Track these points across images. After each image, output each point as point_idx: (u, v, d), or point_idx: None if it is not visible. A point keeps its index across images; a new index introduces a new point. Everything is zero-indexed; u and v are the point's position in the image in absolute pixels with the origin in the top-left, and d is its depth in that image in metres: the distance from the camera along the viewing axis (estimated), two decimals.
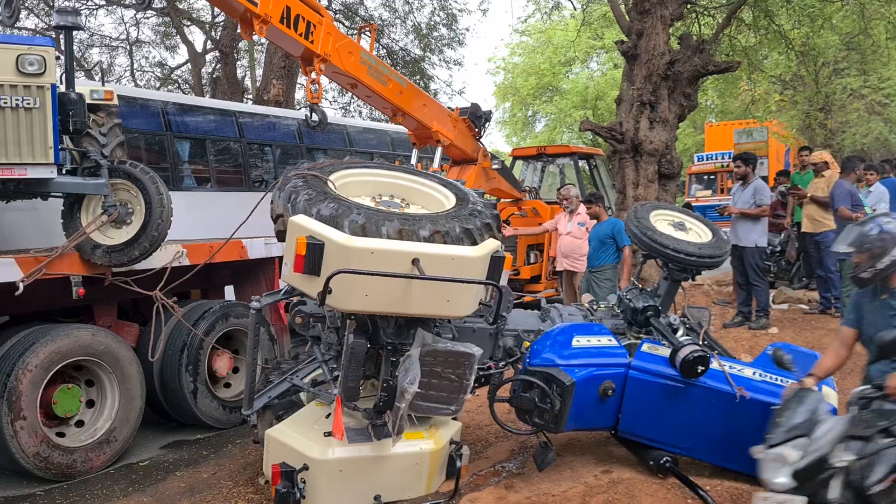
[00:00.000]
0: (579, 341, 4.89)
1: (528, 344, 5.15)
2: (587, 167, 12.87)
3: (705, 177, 21.19)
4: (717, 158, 20.46)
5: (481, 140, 10.11)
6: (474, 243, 4.26)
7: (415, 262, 3.95)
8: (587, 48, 27.92)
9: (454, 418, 4.81)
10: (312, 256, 3.96)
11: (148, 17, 19.85)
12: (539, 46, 31.49)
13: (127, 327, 6.54)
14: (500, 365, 5.26)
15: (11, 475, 5.58)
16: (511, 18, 58.47)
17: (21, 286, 5.27)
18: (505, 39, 58.67)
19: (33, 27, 17.39)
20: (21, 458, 5.28)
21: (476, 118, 9.94)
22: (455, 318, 4.75)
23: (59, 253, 5.53)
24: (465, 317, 4.67)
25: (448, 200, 4.73)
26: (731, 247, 7.41)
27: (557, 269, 9.54)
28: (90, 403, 5.89)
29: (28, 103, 5.15)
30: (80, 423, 5.82)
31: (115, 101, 6.09)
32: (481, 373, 5.01)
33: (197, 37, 20.88)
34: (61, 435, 5.68)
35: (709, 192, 20.55)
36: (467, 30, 32.01)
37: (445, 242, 4.16)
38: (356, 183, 4.80)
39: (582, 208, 9.17)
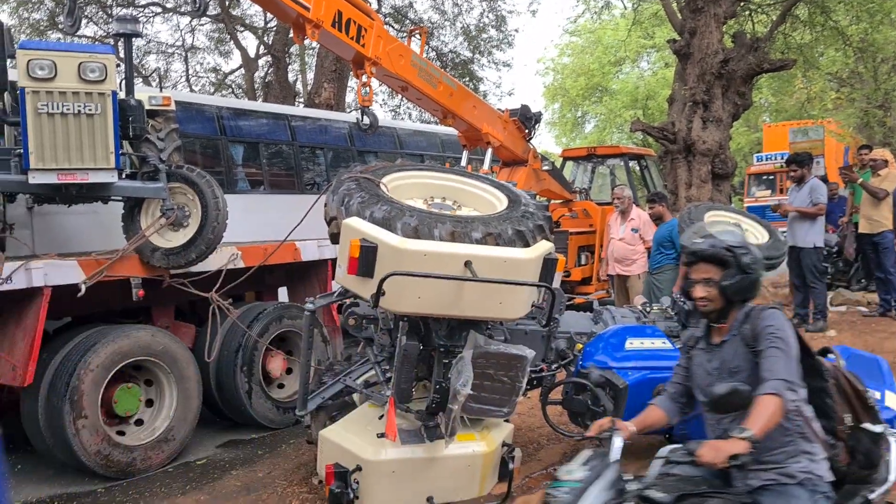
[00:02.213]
0: (632, 343, 4.83)
1: (581, 346, 5.11)
2: (638, 168, 12.72)
3: (764, 177, 20.81)
4: (776, 159, 20.07)
5: (531, 141, 10.08)
6: (526, 245, 4.25)
7: (467, 264, 3.95)
8: (637, 47, 27.65)
9: (506, 420, 4.79)
10: (366, 258, 3.98)
11: (203, 24, 20.26)
12: (588, 46, 31.28)
13: (184, 328, 6.68)
14: (552, 367, 5.23)
15: (73, 472, 5.74)
16: (561, 19, 58.22)
17: (83, 288, 5.42)
18: (554, 40, 58.41)
19: (93, 35, 17.87)
20: (83, 456, 5.43)
21: (526, 119, 9.89)
22: (507, 321, 4.74)
23: (119, 255, 5.67)
24: (518, 319, 4.65)
25: (500, 202, 4.72)
26: (788, 248, 7.26)
27: (609, 272, 9.44)
28: (149, 403, 6.03)
29: (90, 109, 5.29)
30: (139, 422, 5.97)
31: (173, 107, 6.22)
32: (533, 375, 4.99)
33: (250, 42, 21.25)
34: (121, 433, 5.83)
35: (768, 192, 20.15)
36: (516, 31, 31.93)
37: (498, 244, 4.15)
38: (408, 185, 4.82)
39: (635, 213, 9.07)
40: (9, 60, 5.47)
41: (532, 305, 4.52)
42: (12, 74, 5.46)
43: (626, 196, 9.20)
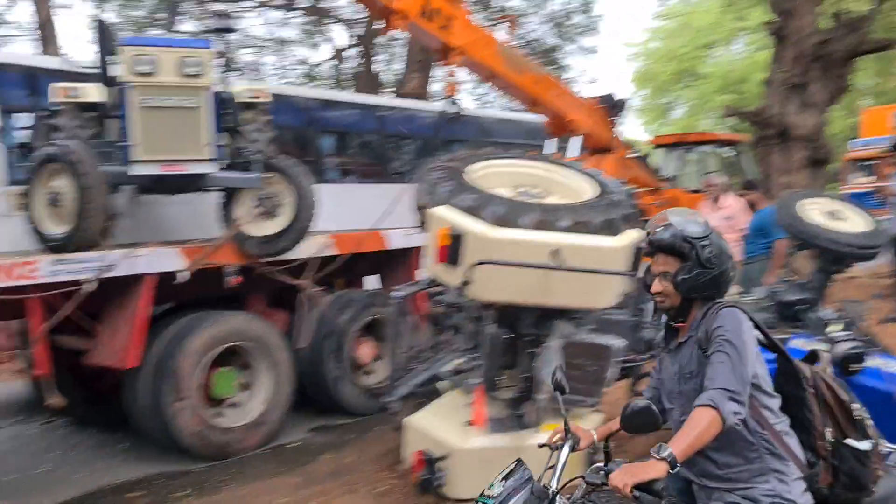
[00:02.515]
0: None
1: None
2: (730, 154, 12.35)
3: (864, 163, 19.88)
4: (878, 144, 19.14)
5: (617, 128, 9.92)
6: (615, 234, 4.20)
7: (555, 253, 3.94)
8: (730, 30, 26.78)
9: (595, 410, 4.76)
10: (453, 247, 4.02)
11: (293, 17, 20.64)
12: (678, 30, 30.47)
13: (277, 314, 6.87)
14: (641, 357, 5.16)
15: (173, 452, 5.98)
16: (650, 2, 56.92)
17: (184, 275, 5.64)
18: (643, 24, 57.12)
19: (190, 30, 18.43)
20: (182, 437, 5.67)
21: (612, 107, 9.76)
22: (595, 310, 4.70)
23: (217, 244, 5.88)
24: (606, 308, 4.60)
25: (587, 190, 4.67)
26: (891, 237, 6.94)
27: None
28: (244, 386, 6.23)
29: (189, 103, 5.50)
30: (235, 405, 6.18)
31: (266, 99, 6.38)
32: (622, 365, 4.93)
33: (339, 34, 21.54)
34: (218, 416, 6.05)
35: (868, 178, 19.22)
36: (602, 16, 31.32)
37: (585, 233, 4.12)
38: (495, 174, 4.82)
39: (727, 200, 8.81)
40: (112, 56, 5.73)
41: (621, 295, 4.47)
42: (116, 70, 5.71)
43: (718, 183, 8.95)
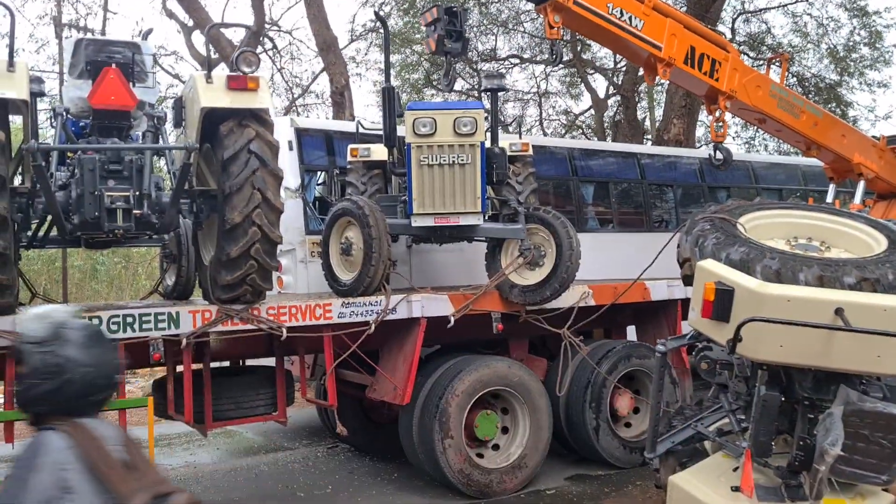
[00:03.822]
0: None
1: None
2: None
3: None
4: None
5: None
6: None
7: (839, 311, 3.66)
8: None
9: (885, 490, 4.29)
10: (721, 302, 3.88)
11: (556, 70, 21.20)
12: None
13: (537, 361, 7.00)
14: None
15: (438, 487, 6.30)
16: None
17: (452, 320, 5.98)
18: None
19: (460, 89, 19.62)
20: (448, 473, 5.96)
21: None
22: (887, 376, 4.27)
23: (483, 291, 6.17)
24: None
25: (877, 243, 4.30)
26: None
27: None
28: (505, 430, 6.42)
29: (462, 160, 5.89)
30: (496, 447, 6.38)
31: (531, 152, 6.64)
32: None
33: (599, 83, 21.76)
34: (480, 456, 6.27)
35: None
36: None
37: (875, 291, 3.78)
38: (768, 225, 4.60)
39: None
40: (397, 119, 6.31)
41: None
42: (400, 131, 6.28)
43: None
